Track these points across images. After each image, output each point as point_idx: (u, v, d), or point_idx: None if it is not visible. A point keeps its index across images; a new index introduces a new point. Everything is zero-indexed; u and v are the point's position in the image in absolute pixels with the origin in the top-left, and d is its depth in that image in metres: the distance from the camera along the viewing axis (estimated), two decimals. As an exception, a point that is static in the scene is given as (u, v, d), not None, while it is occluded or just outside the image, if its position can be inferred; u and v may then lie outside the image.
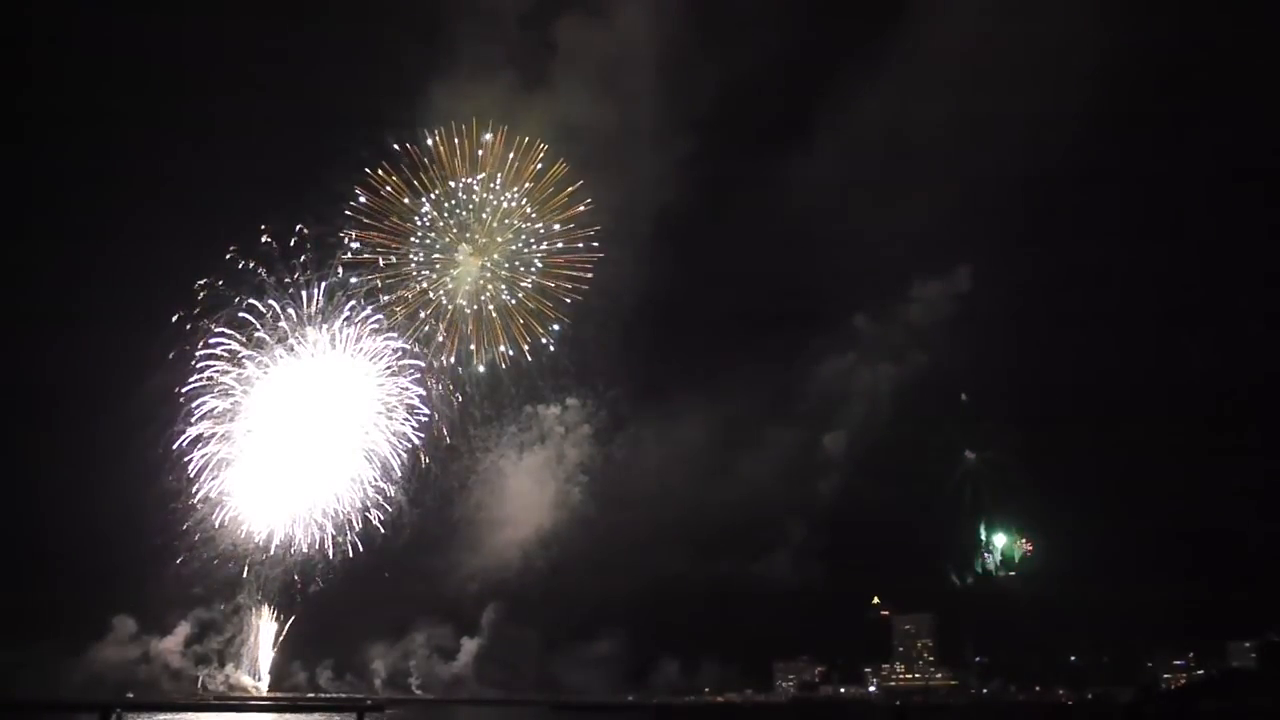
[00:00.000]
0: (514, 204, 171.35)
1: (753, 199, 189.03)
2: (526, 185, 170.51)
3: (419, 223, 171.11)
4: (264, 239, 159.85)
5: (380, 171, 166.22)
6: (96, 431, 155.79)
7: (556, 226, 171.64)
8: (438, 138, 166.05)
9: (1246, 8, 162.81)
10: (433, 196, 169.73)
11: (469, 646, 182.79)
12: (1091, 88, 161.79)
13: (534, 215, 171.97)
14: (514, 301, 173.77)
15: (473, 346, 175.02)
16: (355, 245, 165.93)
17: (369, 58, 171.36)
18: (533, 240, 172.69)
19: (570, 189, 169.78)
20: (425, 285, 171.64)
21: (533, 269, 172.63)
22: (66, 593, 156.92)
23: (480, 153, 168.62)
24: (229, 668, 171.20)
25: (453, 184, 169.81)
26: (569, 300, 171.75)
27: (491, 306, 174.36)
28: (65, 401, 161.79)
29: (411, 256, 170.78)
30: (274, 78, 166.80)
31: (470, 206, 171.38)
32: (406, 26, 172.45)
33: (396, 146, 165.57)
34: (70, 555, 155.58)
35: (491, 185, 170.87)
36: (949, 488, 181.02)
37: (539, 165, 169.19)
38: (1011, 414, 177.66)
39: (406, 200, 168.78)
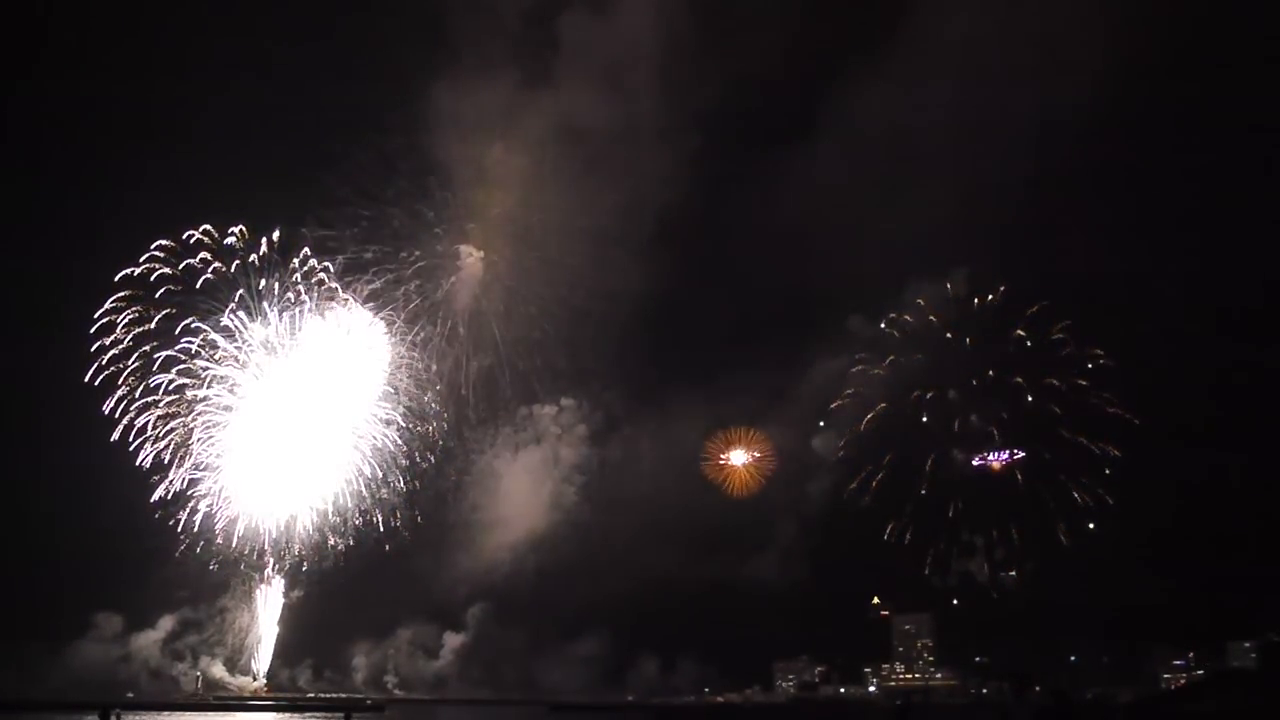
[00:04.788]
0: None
1: (752, 199, 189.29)
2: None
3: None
4: (265, 240, 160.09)
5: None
6: (88, 433, 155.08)
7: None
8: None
9: (1253, 4, 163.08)
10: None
11: (452, 643, 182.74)
12: (1095, 87, 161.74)
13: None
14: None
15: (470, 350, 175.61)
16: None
17: (369, 56, 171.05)
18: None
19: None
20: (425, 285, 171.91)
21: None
22: (52, 593, 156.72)
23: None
24: (204, 660, 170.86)
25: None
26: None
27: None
28: (57, 402, 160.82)
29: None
30: (272, 77, 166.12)
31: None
32: (407, 24, 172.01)
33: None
34: (58, 556, 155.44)
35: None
36: (938, 489, 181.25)
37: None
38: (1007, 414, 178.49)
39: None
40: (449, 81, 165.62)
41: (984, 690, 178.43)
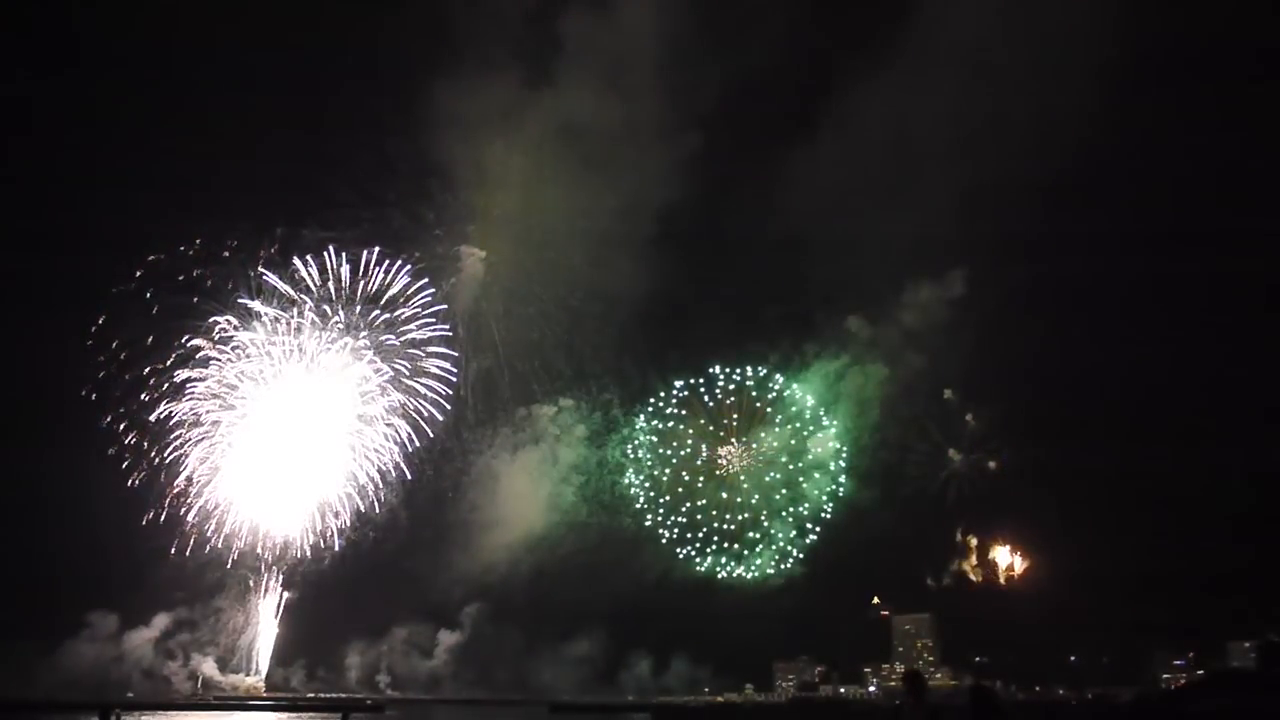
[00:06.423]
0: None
1: (752, 199, 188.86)
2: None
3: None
4: (264, 241, 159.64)
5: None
6: (86, 434, 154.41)
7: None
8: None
9: (1259, 6, 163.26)
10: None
11: (447, 642, 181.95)
12: (1096, 89, 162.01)
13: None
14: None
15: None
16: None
17: (369, 56, 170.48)
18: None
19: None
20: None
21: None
22: (46, 591, 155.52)
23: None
24: (196, 660, 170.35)
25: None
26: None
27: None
28: (54, 402, 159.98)
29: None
30: (272, 78, 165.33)
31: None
32: (408, 24, 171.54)
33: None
34: (52, 554, 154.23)
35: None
36: (932, 489, 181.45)
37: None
38: (1006, 418, 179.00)
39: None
40: (449, 81, 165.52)
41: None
